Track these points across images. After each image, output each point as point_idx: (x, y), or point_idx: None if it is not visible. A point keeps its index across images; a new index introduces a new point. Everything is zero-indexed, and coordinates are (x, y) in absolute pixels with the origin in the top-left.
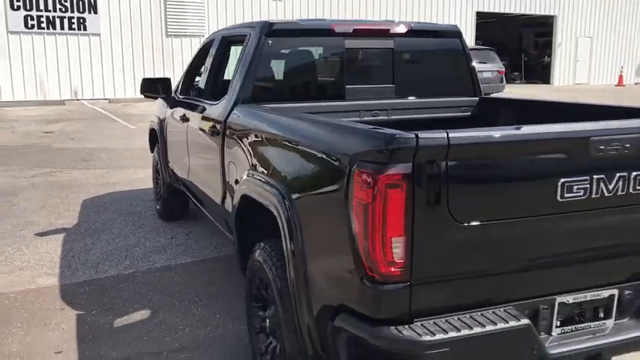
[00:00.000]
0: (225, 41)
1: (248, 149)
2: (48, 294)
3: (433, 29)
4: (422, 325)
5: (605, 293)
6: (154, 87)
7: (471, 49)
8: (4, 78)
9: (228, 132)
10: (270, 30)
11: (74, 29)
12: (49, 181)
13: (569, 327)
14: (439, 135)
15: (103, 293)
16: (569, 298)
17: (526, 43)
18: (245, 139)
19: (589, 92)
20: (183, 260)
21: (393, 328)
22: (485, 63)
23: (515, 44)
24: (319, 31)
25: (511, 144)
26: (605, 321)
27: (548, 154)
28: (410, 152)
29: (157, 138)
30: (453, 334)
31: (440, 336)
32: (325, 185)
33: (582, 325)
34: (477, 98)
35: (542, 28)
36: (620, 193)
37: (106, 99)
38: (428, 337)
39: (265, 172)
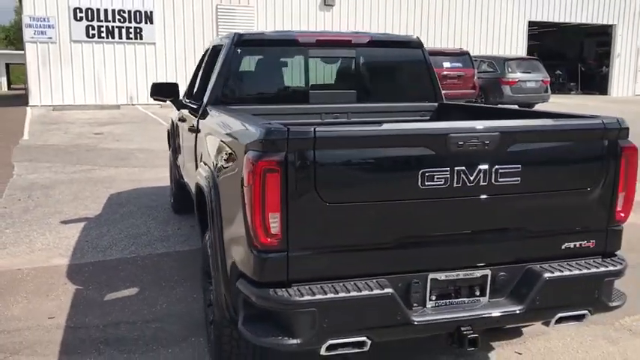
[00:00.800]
0: (215, 50)
1: (204, 144)
2: (57, 271)
3: (393, 40)
4: (297, 288)
5: (477, 273)
6: (162, 91)
7: (515, 59)
8: (67, 83)
9: (198, 130)
10: (239, 40)
11: (131, 38)
12: (86, 177)
13: (444, 301)
14: (307, 129)
15: (103, 273)
16: (442, 275)
17: (587, 53)
18: (203, 135)
19: None
20: (181, 248)
21: (271, 290)
22: (529, 73)
23: (575, 54)
24: (285, 42)
25: (371, 138)
26: (479, 298)
27: (409, 147)
28: (283, 143)
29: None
30: (319, 296)
31: (307, 297)
32: (232, 171)
33: (457, 300)
34: (436, 103)
35: (604, 38)
36: (482, 183)
37: (158, 104)
38: (297, 298)
39: (207, 162)
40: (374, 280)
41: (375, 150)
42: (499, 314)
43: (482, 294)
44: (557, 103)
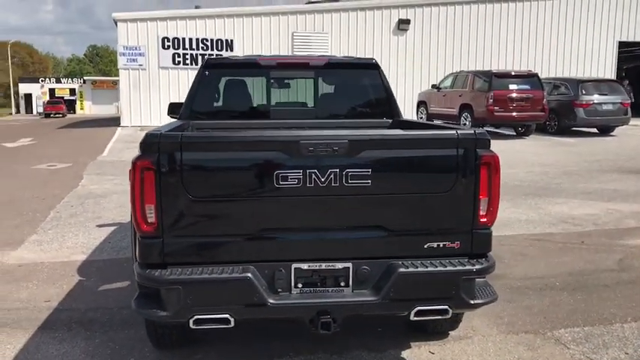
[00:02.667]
0: None
1: None
2: (71, 265)
3: (350, 62)
4: (171, 270)
5: (339, 265)
6: (175, 109)
7: (590, 81)
8: (155, 106)
9: None
10: (207, 63)
11: None
12: None
13: (309, 289)
14: (176, 134)
15: (109, 268)
16: (305, 266)
17: None
18: None
19: None
20: None
21: (148, 270)
22: (606, 95)
23: None
24: (248, 64)
25: (231, 143)
26: (343, 288)
27: (266, 151)
28: (155, 146)
29: None
30: (184, 276)
31: (174, 277)
32: None
33: (321, 288)
34: (390, 120)
35: None
36: (334, 184)
37: None
38: (164, 277)
39: None
40: (240, 266)
41: (236, 153)
42: (354, 302)
43: (347, 284)
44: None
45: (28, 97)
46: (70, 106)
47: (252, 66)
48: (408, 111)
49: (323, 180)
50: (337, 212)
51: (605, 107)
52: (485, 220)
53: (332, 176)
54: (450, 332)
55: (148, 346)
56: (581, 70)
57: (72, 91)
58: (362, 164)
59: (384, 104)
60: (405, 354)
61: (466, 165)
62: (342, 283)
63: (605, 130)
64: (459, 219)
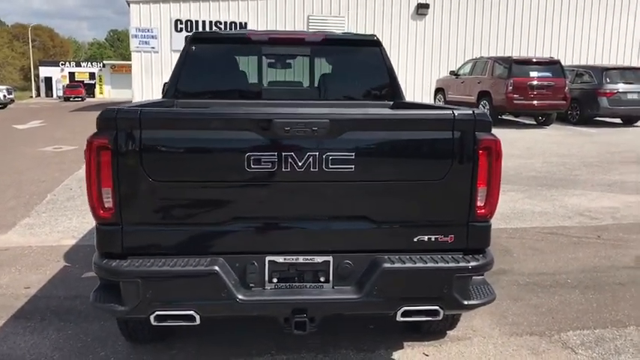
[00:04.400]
0: None
1: None
2: (58, 250)
3: (349, 38)
4: (130, 261)
5: (318, 259)
6: None
7: (615, 69)
8: None
9: None
10: (193, 38)
11: None
12: None
13: (285, 284)
14: (134, 109)
15: None
16: (280, 259)
17: None
18: None
19: None
20: None
21: (105, 260)
22: (632, 84)
23: None
24: (238, 39)
25: (197, 121)
26: (323, 284)
27: (235, 130)
28: (112, 123)
29: None
30: (143, 268)
31: (132, 268)
32: None
33: (299, 284)
34: (391, 102)
35: None
36: (313, 169)
37: None
38: (121, 268)
39: None
40: (208, 258)
41: (202, 132)
42: (333, 300)
43: (327, 280)
44: None
45: (49, 81)
46: (90, 90)
47: (242, 41)
48: (426, 98)
49: (300, 164)
50: (316, 200)
51: (630, 96)
52: (483, 211)
53: (311, 160)
54: (447, 332)
55: (121, 340)
56: (606, 59)
57: (91, 75)
58: (344, 147)
59: (385, 85)
60: (396, 355)
61: (463, 150)
62: (322, 279)
63: (629, 121)
64: (454, 210)
